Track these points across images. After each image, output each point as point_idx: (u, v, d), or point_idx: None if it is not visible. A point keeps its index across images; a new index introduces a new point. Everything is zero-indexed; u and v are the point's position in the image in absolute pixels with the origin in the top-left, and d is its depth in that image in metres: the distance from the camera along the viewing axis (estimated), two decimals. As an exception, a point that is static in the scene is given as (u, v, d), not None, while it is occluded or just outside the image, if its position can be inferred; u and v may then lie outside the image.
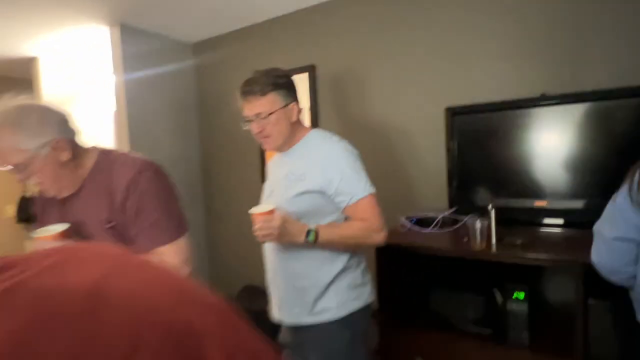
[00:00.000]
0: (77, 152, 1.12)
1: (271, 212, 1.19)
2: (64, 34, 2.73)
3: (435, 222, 1.76)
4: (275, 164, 1.47)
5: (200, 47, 3.03)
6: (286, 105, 1.31)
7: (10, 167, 1.03)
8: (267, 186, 1.47)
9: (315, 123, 2.49)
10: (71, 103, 3.33)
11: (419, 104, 2.11)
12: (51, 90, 3.26)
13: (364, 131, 2.30)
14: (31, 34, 2.71)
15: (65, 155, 1.07)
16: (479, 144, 1.82)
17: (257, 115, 1.28)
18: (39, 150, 1.02)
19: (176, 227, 1.17)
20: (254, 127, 1.30)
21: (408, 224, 1.82)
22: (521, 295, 1.38)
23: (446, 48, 2.01)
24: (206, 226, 3.13)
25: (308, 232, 1.21)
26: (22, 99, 1.06)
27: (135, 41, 2.65)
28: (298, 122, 1.37)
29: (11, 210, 3.70)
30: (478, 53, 1.92)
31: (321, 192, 1.27)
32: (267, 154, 2.46)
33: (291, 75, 1.39)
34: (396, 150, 2.20)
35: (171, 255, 1.14)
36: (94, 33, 2.70)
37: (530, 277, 1.52)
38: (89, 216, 1.12)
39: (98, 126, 3.16)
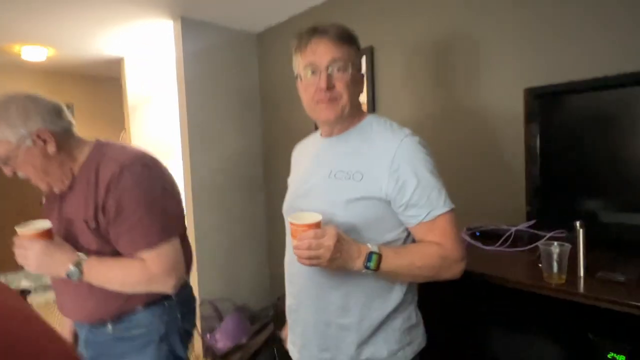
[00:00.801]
0: (67, 144, 1.05)
1: (318, 224, 0.85)
2: (139, 32, 2.85)
3: (504, 237, 1.36)
4: (311, 154, 1.10)
5: (264, 36, 2.92)
6: (360, 70, 1.00)
7: None
8: (297, 183, 1.10)
9: (373, 110, 2.19)
10: (150, 100, 3.52)
11: (493, 86, 1.68)
12: (134, 88, 3.48)
13: (426, 122, 1.94)
14: (111, 34, 2.88)
15: (50, 148, 1.00)
16: (572, 136, 1.35)
17: (333, 61, 0.92)
18: (21, 142, 0.97)
19: (159, 231, 1.02)
20: (319, 80, 0.92)
21: (468, 238, 1.44)
22: (620, 358, 0.94)
23: (535, 16, 1.55)
24: (267, 222, 3.05)
25: (369, 256, 0.86)
26: (9, 92, 1.02)
27: (197, 34, 2.63)
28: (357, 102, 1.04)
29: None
30: (571, 17, 1.43)
31: (385, 201, 0.92)
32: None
33: None
34: (463, 143, 1.80)
35: (152, 262, 1.01)
36: (165, 30, 2.76)
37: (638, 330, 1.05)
38: (76, 215, 1.04)
39: (170, 123, 3.27)
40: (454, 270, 0.93)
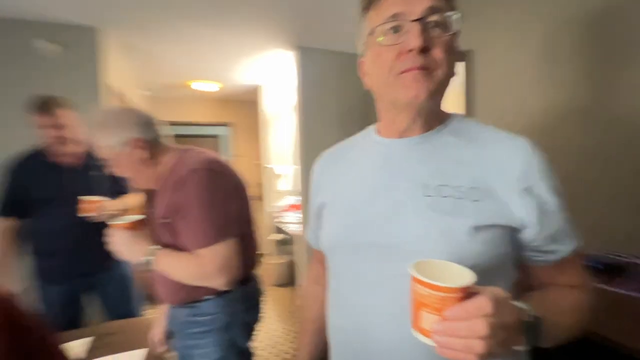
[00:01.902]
0: (156, 150, 1.02)
1: (468, 289, 0.39)
2: (270, 63, 2.92)
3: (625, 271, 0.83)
4: (368, 162, 0.62)
5: (368, 56, 2.68)
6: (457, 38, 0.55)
7: (103, 161, 1.02)
8: (353, 203, 0.60)
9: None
10: (279, 116, 3.61)
11: (608, 81, 1.09)
12: (268, 109, 3.62)
13: (531, 129, 1.41)
14: (251, 66, 3.02)
15: (143, 153, 0.98)
16: None
17: (430, 11, 0.50)
18: (119, 148, 0.97)
19: (217, 231, 0.91)
20: (410, 37, 0.50)
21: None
22: None
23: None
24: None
25: (531, 325, 0.42)
26: (111, 107, 1.04)
27: (311, 59, 2.58)
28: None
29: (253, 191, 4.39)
30: None
31: (515, 230, 0.52)
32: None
33: None
34: (570, 149, 1.23)
35: (207, 259, 0.90)
36: (288, 59, 2.78)
37: None
38: (158, 211, 1.00)
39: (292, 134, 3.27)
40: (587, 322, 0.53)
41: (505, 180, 0.51)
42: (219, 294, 0.98)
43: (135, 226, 0.98)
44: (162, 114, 4.07)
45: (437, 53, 0.50)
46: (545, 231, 0.52)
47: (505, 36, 1.52)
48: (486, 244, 0.50)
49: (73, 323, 1.46)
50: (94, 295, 1.57)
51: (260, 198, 4.06)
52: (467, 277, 0.40)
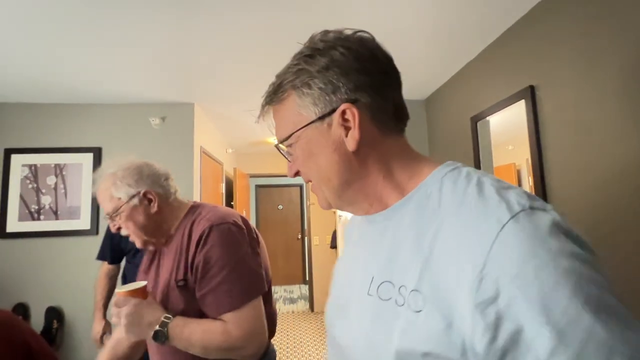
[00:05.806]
0: (168, 207, 0.95)
1: None
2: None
3: None
4: (353, 240, 0.57)
5: (430, 100, 2.65)
6: (330, 125, 0.47)
7: (106, 215, 0.94)
8: (337, 286, 0.55)
9: (539, 166, 1.52)
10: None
11: None
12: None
13: (621, 183, 1.17)
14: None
15: (153, 207, 0.92)
16: None
17: (281, 140, 0.51)
18: (130, 199, 0.90)
19: (243, 292, 0.82)
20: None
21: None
22: None
23: None
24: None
25: None
26: (130, 158, 0.98)
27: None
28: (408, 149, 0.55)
29: (328, 239, 4.43)
30: None
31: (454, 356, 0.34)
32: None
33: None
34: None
35: (234, 325, 0.80)
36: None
37: None
38: (169, 273, 0.90)
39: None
40: None
41: (459, 281, 0.33)
42: None
43: (139, 293, 0.83)
44: (246, 167, 4.64)
45: (304, 174, 0.49)
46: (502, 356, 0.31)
47: (573, 69, 1.34)
48: None
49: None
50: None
51: (334, 246, 4.11)
52: None
